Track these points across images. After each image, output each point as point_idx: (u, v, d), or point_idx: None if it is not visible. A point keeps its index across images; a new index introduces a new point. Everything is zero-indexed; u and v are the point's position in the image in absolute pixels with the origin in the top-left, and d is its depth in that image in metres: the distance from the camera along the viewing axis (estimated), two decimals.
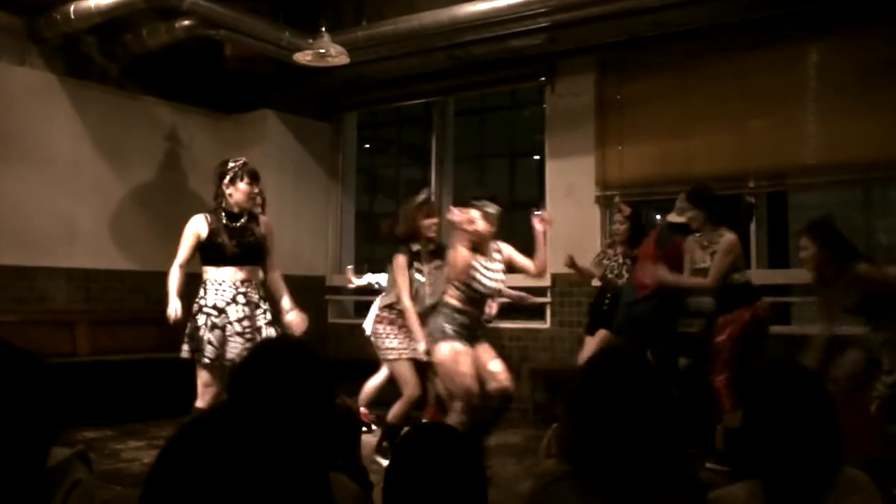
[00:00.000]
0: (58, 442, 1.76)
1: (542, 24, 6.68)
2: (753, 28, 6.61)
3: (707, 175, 6.93)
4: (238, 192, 4.63)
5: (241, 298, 4.59)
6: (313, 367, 2.03)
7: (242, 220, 4.67)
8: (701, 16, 6.47)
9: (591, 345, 6.14)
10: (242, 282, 4.62)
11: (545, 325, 7.57)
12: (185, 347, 4.55)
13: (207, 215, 4.65)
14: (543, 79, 7.72)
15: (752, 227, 6.83)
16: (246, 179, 4.65)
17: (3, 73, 6.75)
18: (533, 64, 7.64)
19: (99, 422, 6.12)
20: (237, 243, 4.58)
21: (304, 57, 6.64)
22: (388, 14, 7.13)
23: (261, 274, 4.76)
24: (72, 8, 6.60)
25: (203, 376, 4.52)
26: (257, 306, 4.66)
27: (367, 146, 11.33)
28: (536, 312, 7.57)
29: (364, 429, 6.42)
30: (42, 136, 7.00)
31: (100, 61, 7.44)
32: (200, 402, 4.53)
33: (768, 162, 6.66)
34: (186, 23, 6.78)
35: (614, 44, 7.13)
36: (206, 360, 4.46)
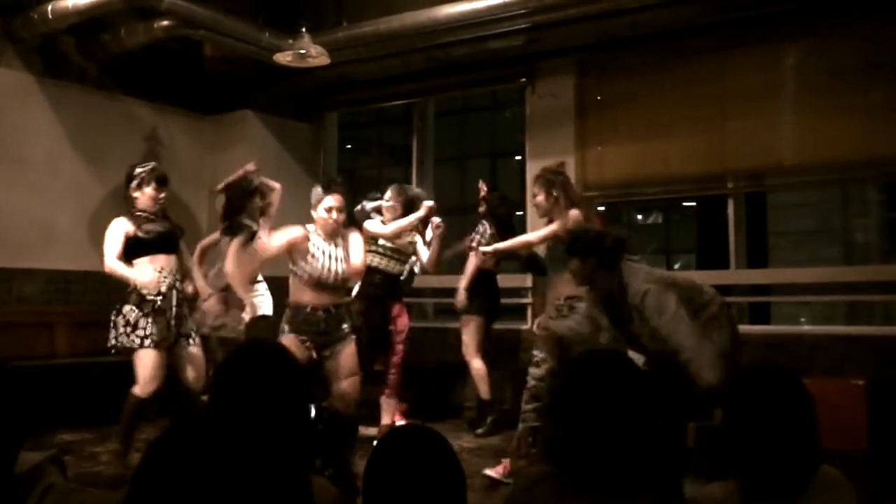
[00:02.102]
0: (26, 446, 1.75)
1: (522, 26, 6.70)
2: (731, 29, 6.65)
3: (685, 175, 6.98)
4: (144, 196, 4.92)
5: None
6: (290, 369, 2.03)
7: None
8: (679, 17, 6.50)
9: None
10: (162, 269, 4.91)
11: (526, 325, 7.57)
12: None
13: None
14: (524, 80, 7.73)
15: (731, 227, 6.87)
16: (153, 185, 4.92)
17: None
18: (513, 65, 7.65)
19: (77, 424, 6.07)
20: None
21: (284, 57, 6.63)
22: (369, 15, 7.13)
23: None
24: (49, 7, 6.55)
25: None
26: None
27: (349, 147, 11.33)
28: (517, 313, 7.60)
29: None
30: (19, 136, 6.94)
31: (78, 61, 7.39)
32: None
33: (746, 162, 6.71)
34: (165, 23, 6.74)
35: (594, 45, 7.15)
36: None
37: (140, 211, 4.93)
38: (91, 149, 7.46)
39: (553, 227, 5.21)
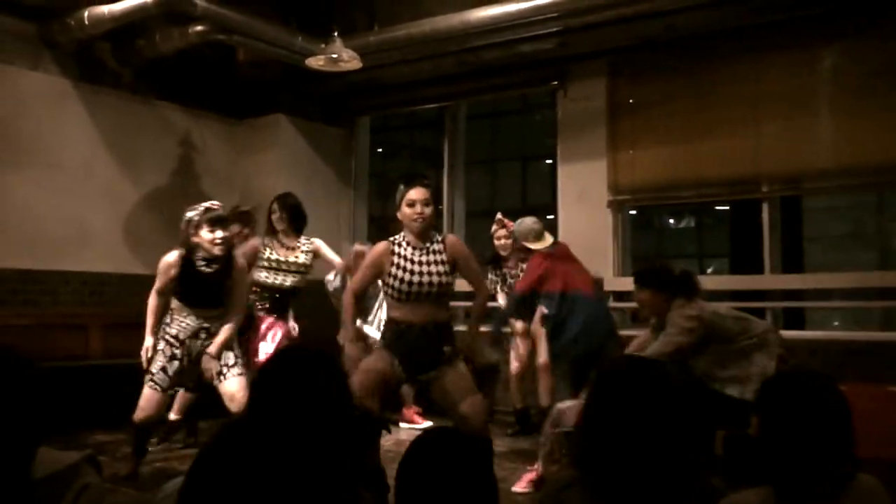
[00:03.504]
0: (61, 446, 1.77)
1: (554, 29, 6.68)
2: (765, 31, 6.58)
3: (719, 179, 6.92)
4: (202, 239, 4.72)
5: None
6: (333, 371, 2.03)
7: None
8: (713, 19, 6.45)
9: None
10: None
11: None
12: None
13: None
14: (556, 83, 7.70)
15: (766, 231, 6.80)
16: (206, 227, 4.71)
17: (17, 79, 6.78)
18: (545, 68, 7.63)
19: (112, 425, 6.12)
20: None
21: (316, 62, 6.66)
22: (400, 19, 7.14)
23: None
24: (86, 13, 6.64)
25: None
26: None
27: (380, 150, 11.37)
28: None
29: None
30: (55, 140, 7.04)
31: (113, 66, 7.48)
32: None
33: (781, 166, 6.63)
34: (199, 28, 6.80)
35: (626, 48, 7.11)
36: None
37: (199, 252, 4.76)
38: (125, 153, 7.55)
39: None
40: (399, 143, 12.55)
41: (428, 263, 4.13)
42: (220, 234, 4.66)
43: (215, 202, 4.87)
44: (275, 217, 5.86)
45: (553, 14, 6.41)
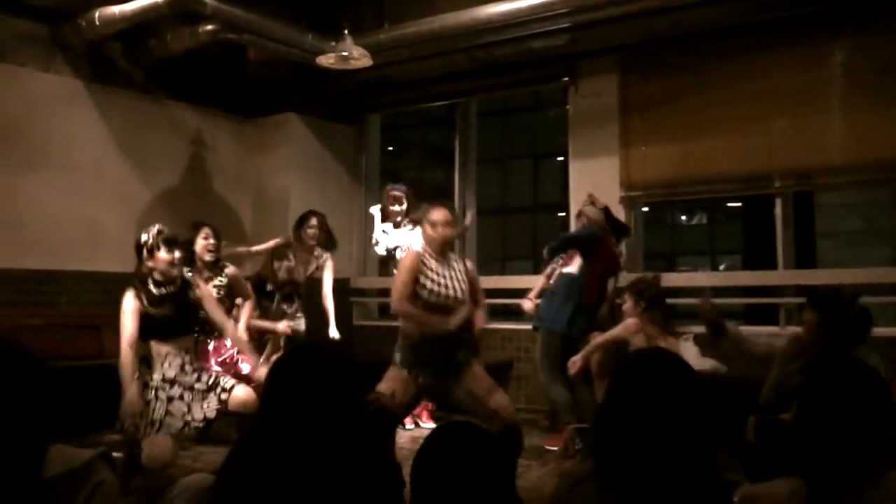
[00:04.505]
0: (76, 444, 1.77)
1: (564, 25, 6.66)
2: (776, 27, 6.55)
3: (731, 175, 6.90)
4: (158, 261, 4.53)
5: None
6: (346, 368, 2.02)
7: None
8: (722, 15, 6.42)
9: None
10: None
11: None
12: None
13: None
14: (566, 79, 7.69)
15: (779, 227, 6.78)
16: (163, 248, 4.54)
17: (29, 80, 6.81)
18: (555, 65, 7.61)
19: None
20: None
21: (326, 60, 6.66)
22: (410, 16, 7.13)
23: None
24: (96, 14, 6.66)
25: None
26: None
27: (391, 148, 11.37)
28: None
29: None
30: (68, 141, 7.07)
31: (124, 66, 7.50)
32: None
33: (793, 161, 6.60)
34: (210, 27, 6.81)
35: (637, 44, 7.10)
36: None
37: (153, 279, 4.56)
38: (137, 152, 7.57)
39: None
40: (410, 141, 12.55)
41: (451, 277, 4.46)
42: (177, 254, 4.59)
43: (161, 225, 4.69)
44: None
45: (563, 10, 6.39)
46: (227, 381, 4.61)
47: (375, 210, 7.01)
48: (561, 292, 6.13)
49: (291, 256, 6.31)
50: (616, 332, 5.32)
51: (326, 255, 6.84)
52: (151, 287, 4.52)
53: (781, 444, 2.04)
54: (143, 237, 4.57)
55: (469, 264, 4.76)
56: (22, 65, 6.77)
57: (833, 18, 6.36)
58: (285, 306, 6.29)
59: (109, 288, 7.29)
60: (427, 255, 4.46)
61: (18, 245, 6.67)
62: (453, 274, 4.49)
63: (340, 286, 8.66)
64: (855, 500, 1.81)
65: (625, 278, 6.35)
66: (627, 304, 5.20)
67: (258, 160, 8.68)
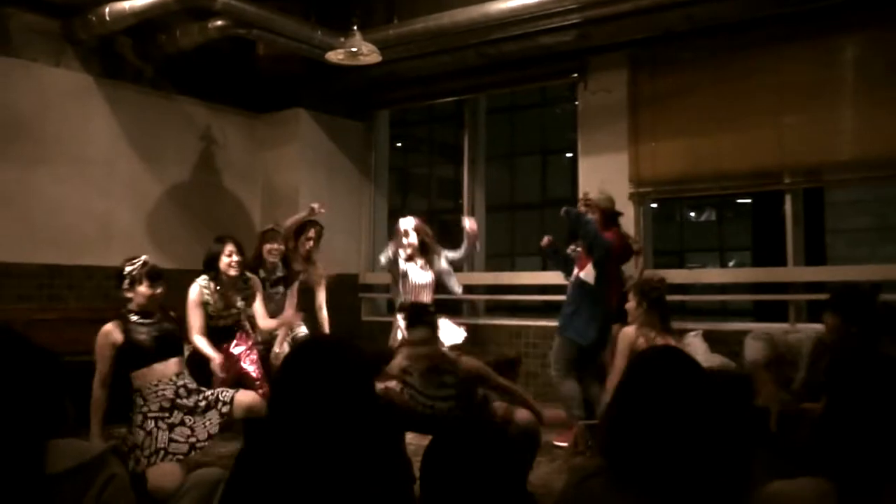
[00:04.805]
0: (85, 438, 1.79)
1: (574, 21, 6.65)
2: (787, 22, 6.52)
3: (741, 171, 6.88)
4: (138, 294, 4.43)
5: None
6: (355, 362, 2.03)
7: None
8: (734, 10, 6.40)
9: None
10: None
11: None
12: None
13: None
14: (576, 75, 7.67)
15: (789, 223, 6.76)
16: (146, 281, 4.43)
17: (39, 75, 6.84)
18: (565, 61, 7.60)
19: None
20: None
21: (336, 56, 6.66)
22: (419, 11, 7.14)
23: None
24: (107, 10, 6.68)
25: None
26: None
27: (399, 144, 11.37)
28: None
29: None
30: (78, 136, 7.09)
31: (134, 62, 7.53)
32: None
33: (804, 158, 6.57)
34: (219, 23, 6.83)
35: (646, 39, 7.08)
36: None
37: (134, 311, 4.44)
38: (147, 148, 7.60)
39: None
40: (418, 138, 12.54)
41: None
42: (159, 290, 4.48)
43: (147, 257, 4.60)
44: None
45: (572, 6, 6.38)
46: (226, 394, 4.49)
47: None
48: (585, 306, 6.02)
49: (280, 240, 6.25)
50: (621, 359, 5.11)
51: (320, 269, 6.70)
52: (131, 316, 4.41)
53: (807, 439, 1.96)
54: (128, 268, 4.44)
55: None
56: (33, 60, 6.80)
57: (844, 13, 6.32)
58: (275, 291, 6.24)
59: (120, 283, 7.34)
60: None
61: (30, 240, 6.71)
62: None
63: (349, 282, 8.70)
64: (889, 499, 1.73)
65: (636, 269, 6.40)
66: (631, 303, 5.18)
67: (268, 155, 8.70)
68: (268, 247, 6.17)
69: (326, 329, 6.60)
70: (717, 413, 1.82)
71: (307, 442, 1.47)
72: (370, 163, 9.30)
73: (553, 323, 7.13)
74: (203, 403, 4.42)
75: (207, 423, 4.36)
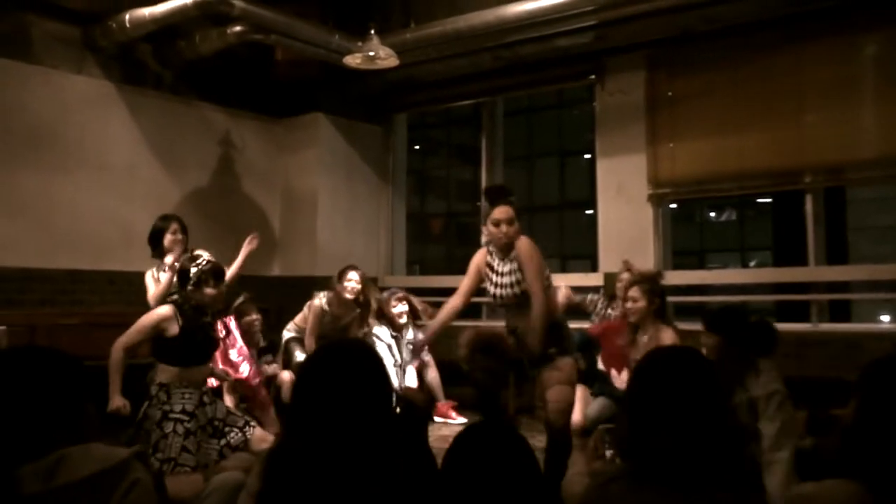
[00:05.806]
0: (110, 442, 1.81)
1: (590, 23, 6.64)
2: (806, 20, 6.48)
3: (761, 171, 6.84)
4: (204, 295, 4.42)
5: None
6: (374, 364, 2.04)
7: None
8: (751, 9, 6.37)
9: None
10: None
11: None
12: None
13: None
14: (593, 77, 7.65)
15: (810, 222, 6.71)
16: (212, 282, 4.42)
17: (61, 82, 6.90)
18: (582, 62, 7.59)
19: None
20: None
21: (353, 60, 6.68)
22: (436, 15, 7.15)
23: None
24: (127, 16, 6.74)
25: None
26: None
27: (417, 147, 11.38)
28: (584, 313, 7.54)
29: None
30: (99, 142, 7.15)
31: (154, 68, 7.58)
32: None
33: (825, 156, 6.52)
34: (238, 28, 6.87)
35: (664, 40, 7.05)
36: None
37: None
38: (168, 153, 7.65)
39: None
40: (436, 141, 12.55)
41: (509, 273, 4.33)
42: (222, 289, 4.53)
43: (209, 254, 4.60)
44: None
45: (589, 7, 6.37)
46: (238, 436, 4.34)
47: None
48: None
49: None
50: None
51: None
52: (188, 310, 4.36)
53: (838, 442, 1.93)
54: (193, 269, 4.40)
55: (518, 242, 4.43)
56: (54, 67, 6.87)
57: (864, 11, 6.27)
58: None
59: (142, 288, 7.39)
60: (492, 253, 4.44)
61: (52, 245, 6.77)
62: (509, 269, 4.38)
63: None
64: None
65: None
66: (639, 303, 5.12)
67: (286, 160, 8.73)
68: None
69: None
70: (730, 409, 1.82)
71: (331, 441, 1.47)
72: (388, 166, 9.31)
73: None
74: (222, 418, 4.34)
75: (222, 442, 4.28)
